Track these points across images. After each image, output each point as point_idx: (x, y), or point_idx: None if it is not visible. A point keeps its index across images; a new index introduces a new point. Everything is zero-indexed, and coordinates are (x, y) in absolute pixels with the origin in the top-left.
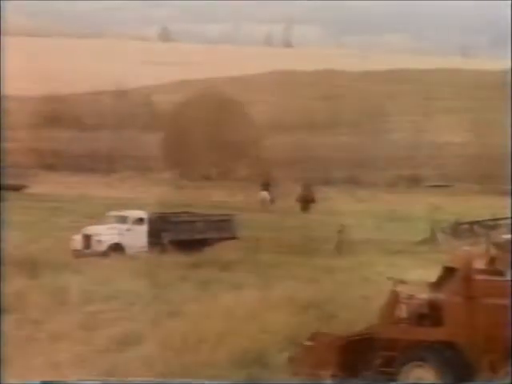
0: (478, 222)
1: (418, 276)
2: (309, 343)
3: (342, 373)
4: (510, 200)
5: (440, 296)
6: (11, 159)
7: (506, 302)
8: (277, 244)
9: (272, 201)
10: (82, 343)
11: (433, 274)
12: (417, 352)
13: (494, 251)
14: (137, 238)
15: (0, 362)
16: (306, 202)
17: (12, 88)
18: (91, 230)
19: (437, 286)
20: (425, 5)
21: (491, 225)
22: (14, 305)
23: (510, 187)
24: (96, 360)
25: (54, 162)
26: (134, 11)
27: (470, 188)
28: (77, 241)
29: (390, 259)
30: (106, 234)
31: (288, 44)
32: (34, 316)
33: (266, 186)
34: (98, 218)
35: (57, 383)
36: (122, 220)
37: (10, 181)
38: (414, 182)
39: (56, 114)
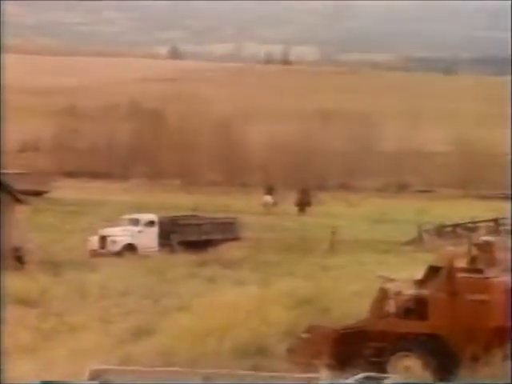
0: (460, 225)
1: (405, 273)
2: (305, 335)
3: (336, 362)
4: (490, 204)
5: (425, 292)
6: (33, 166)
7: (486, 297)
8: (276, 244)
9: (275, 204)
10: (99, 334)
11: (418, 271)
12: (404, 343)
13: (474, 251)
14: (148, 238)
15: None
16: (303, 205)
17: (35, 100)
18: (107, 231)
19: (422, 283)
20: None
21: (472, 227)
22: (38, 299)
23: (489, 192)
24: (112, 349)
25: (73, 170)
26: (147, 33)
27: (452, 193)
28: (94, 241)
29: (380, 258)
30: (120, 235)
31: (287, 62)
32: (57, 309)
33: (269, 191)
34: (113, 220)
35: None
36: (135, 222)
37: (32, 187)
38: (402, 187)
39: (75, 125)
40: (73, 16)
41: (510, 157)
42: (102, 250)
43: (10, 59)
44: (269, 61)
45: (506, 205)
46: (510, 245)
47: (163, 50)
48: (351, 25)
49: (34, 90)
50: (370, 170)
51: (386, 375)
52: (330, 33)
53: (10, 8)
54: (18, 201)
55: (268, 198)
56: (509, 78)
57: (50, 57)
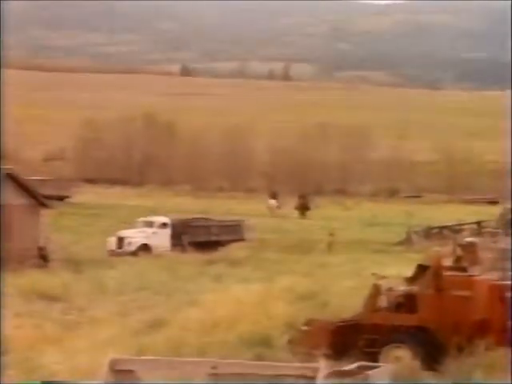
0: (445, 227)
1: (396, 271)
2: (305, 328)
3: (333, 352)
4: (472, 208)
5: (414, 288)
6: (57, 174)
7: (469, 293)
8: (278, 244)
9: (279, 207)
10: (117, 326)
11: (408, 269)
12: (395, 335)
13: (459, 251)
14: (161, 239)
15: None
16: (303, 209)
17: (60, 113)
18: (123, 233)
19: (412, 280)
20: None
21: (457, 229)
22: (61, 295)
23: (472, 198)
24: (129, 341)
25: (93, 177)
26: (161, 53)
27: (439, 198)
28: (112, 242)
29: (373, 257)
30: (135, 236)
31: (287, 78)
32: (78, 304)
33: (273, 195)
34: (130, 223)
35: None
36: (149, 224)
37: (55, 192)
38: (392, 193)
39: (95, 136)
40: (97, 37)
41: (509, 165)
42: (120, 250)
43: (39, 77)
44: (271, 77)
45: (488, 209)
46: (495, 245)
47: (175, 68)
48: (344, 46)
49: (59, 103)
50: (363, 177)
51: (378, 364)
52: (326, 52)
53: (41, 32)
54: (43, 205)
55: (273, 202)
56: (490, 93)
57: (76, 74)
